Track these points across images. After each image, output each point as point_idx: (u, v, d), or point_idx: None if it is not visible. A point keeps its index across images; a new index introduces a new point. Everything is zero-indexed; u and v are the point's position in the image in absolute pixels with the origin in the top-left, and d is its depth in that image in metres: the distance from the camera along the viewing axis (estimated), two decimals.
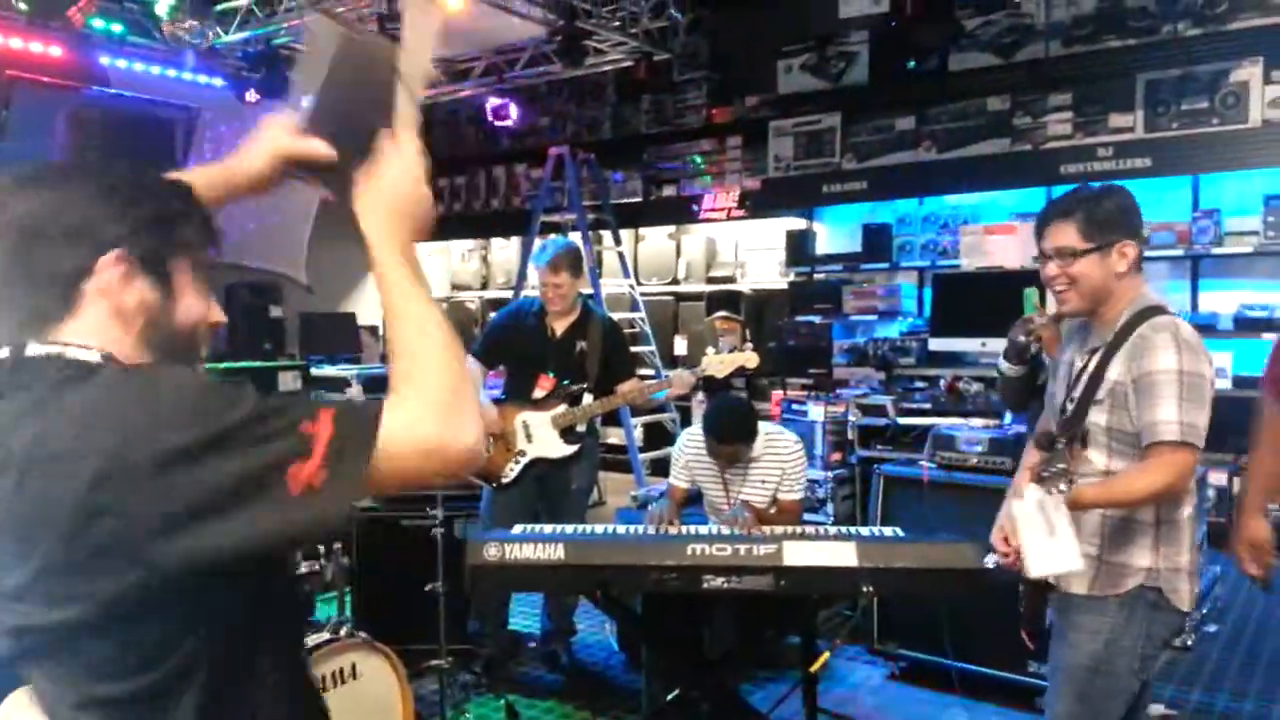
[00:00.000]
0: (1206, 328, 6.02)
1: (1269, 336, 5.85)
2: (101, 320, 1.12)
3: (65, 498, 0.98)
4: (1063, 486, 2.06)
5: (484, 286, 9.61)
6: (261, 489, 1.00)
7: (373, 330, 8.46)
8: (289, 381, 5.09)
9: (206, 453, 0.99)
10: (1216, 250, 6.08)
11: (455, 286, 9.83)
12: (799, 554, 2.90)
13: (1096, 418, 2.24)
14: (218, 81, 6.82)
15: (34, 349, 1.08)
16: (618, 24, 7.00)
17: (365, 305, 9.08)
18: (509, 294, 8.77)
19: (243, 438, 1.00)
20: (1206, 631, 4.42)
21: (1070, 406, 2.32)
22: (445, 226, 9.66)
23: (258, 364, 4.98)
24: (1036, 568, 2.08)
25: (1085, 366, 2.31)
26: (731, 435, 3.47)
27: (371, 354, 8.14)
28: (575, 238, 7.15)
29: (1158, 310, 2.25)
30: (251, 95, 6.89)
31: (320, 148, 1.29)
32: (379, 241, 1.21)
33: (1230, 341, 6.03)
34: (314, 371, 6.04)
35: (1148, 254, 6.07)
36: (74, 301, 1.11)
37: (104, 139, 3.88)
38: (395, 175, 1.22)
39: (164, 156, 4.05)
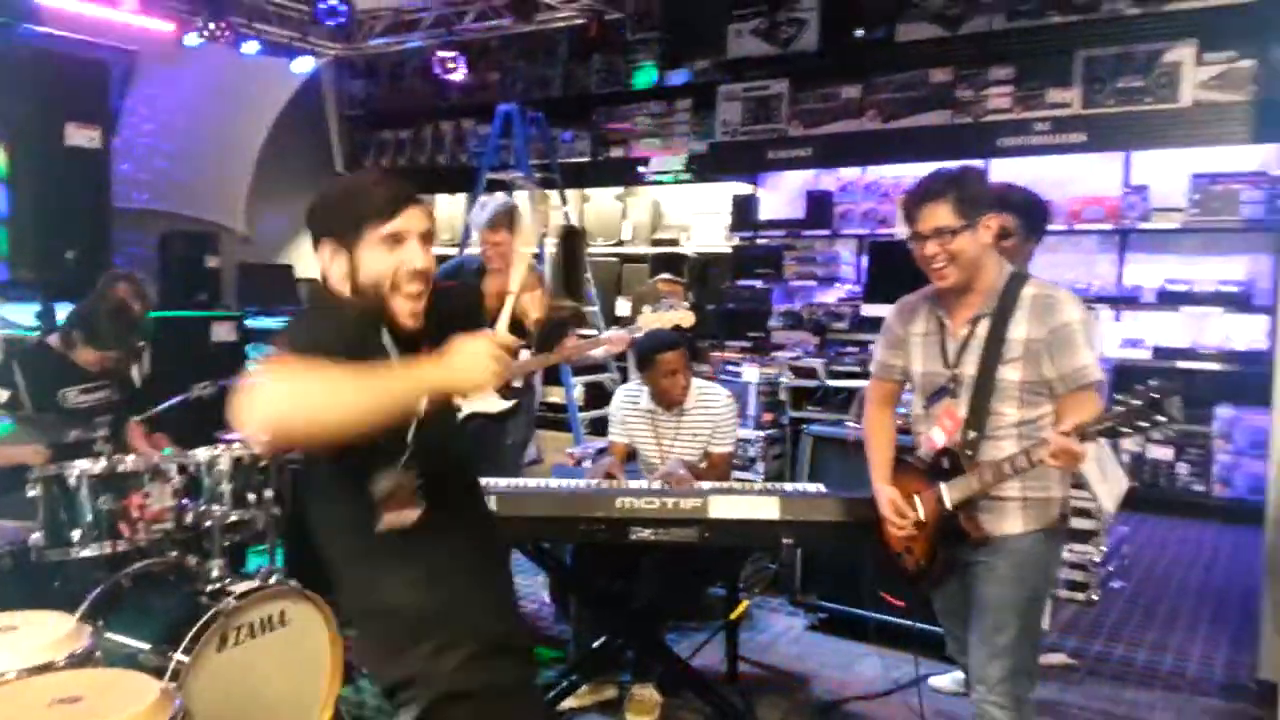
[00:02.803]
0: (1131, 300, 6.24)
1: (1189, 310, 6.09)
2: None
3: None
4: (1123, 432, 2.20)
5: None
6: None
7: (310, 283, 8.38)
8: (223, 333, 5.04)
9: None
10: (1144, 225, 6.28)
11: None
12: (724, 508, 3.00)
13: (1009, 375, 2.40)
14: (158, 24, 6.65)
15: None
16: None
17: (303, 258, 8.98)
18: (454, 250, 8.73)
19: None
20: (1111, 587, 4.63)
21: (964, 370, 2.47)
22: None
23: (191, 314, 4.91)
24: (1110, 503, 2.36)
25: (972, 333, 2.47)
26: (667, 342, 3.59)
27: None
28: (521, 196, 7.14)
29: (1025, 275, 2.49)
30: (193, 39, 6.74)
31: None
32: (418, 378, 1.59)
33: (1153, 314, 6.26)
34: (249, 323, 5.97)
35: (1080, 227, 6.35)
36: None
37: (34, 81, 3.79)
38: (459, 361, 1.58)
39: (98, 101, 3.97)
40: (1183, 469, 6.11)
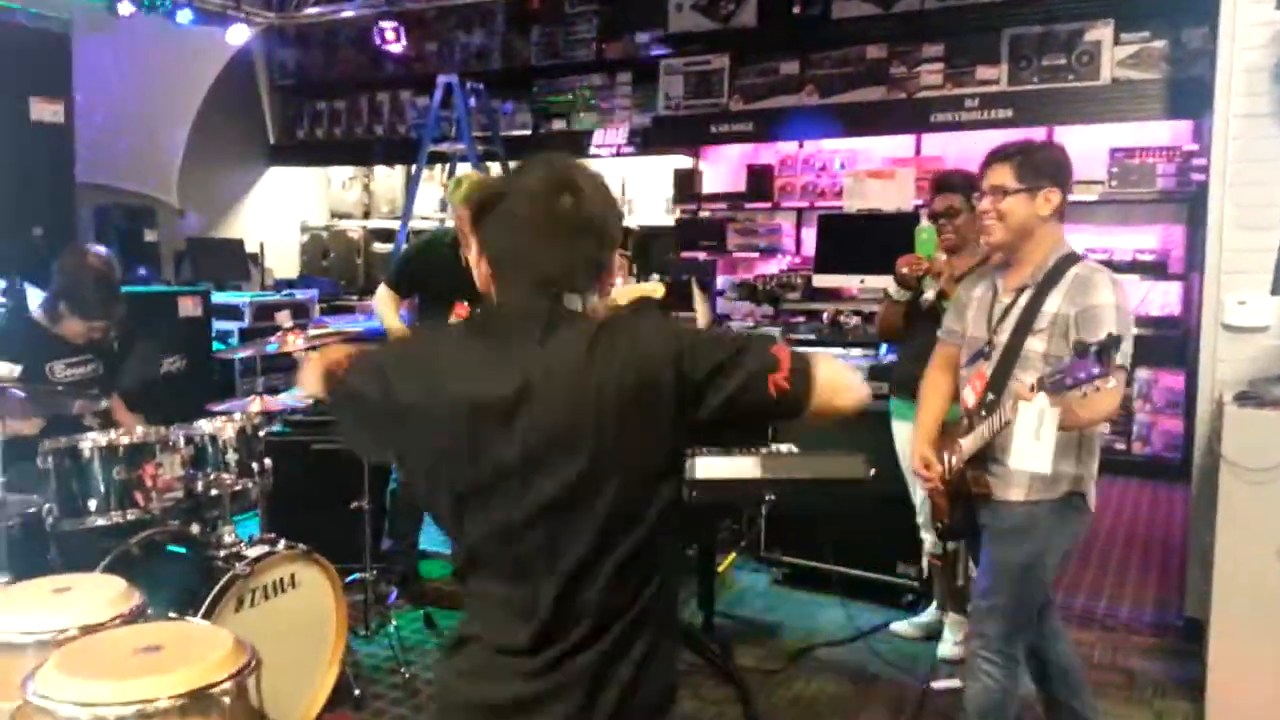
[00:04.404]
0: None
1: None
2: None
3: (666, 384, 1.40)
4: (1077, 395, 2.24)
5: (366, 215, 9.49)
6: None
7: (252, 258, 8.28)
8: (190, 308, 5.00)
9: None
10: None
11: (335, 215, 9.67)
12: (708, 468, 3.17)
13: (1034, 345, 2.48)
14: None
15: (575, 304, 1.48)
16: None
17: (244, 231, 8.85)
18: (393, 223, 8.71)
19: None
20: None
21: (1000, 337, 2.57)
22: (324, 152, 9.47)
23: (160, 289, 4.85)
24: (1015, 460, 2.36)
25: (1014, 302, 2.56)
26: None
27: (254, 281, 7.98)
28: (465, 168, 7.19)
29: (1079, 256, 2.55)
30: (126, 8, 6.59)
31: None
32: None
33: None
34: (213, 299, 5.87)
35: None
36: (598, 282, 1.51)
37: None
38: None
39: (60, 74, 3.88)
40: (1105, 428, 6.50)
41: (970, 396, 2.63)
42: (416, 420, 1.44)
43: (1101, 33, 6.29)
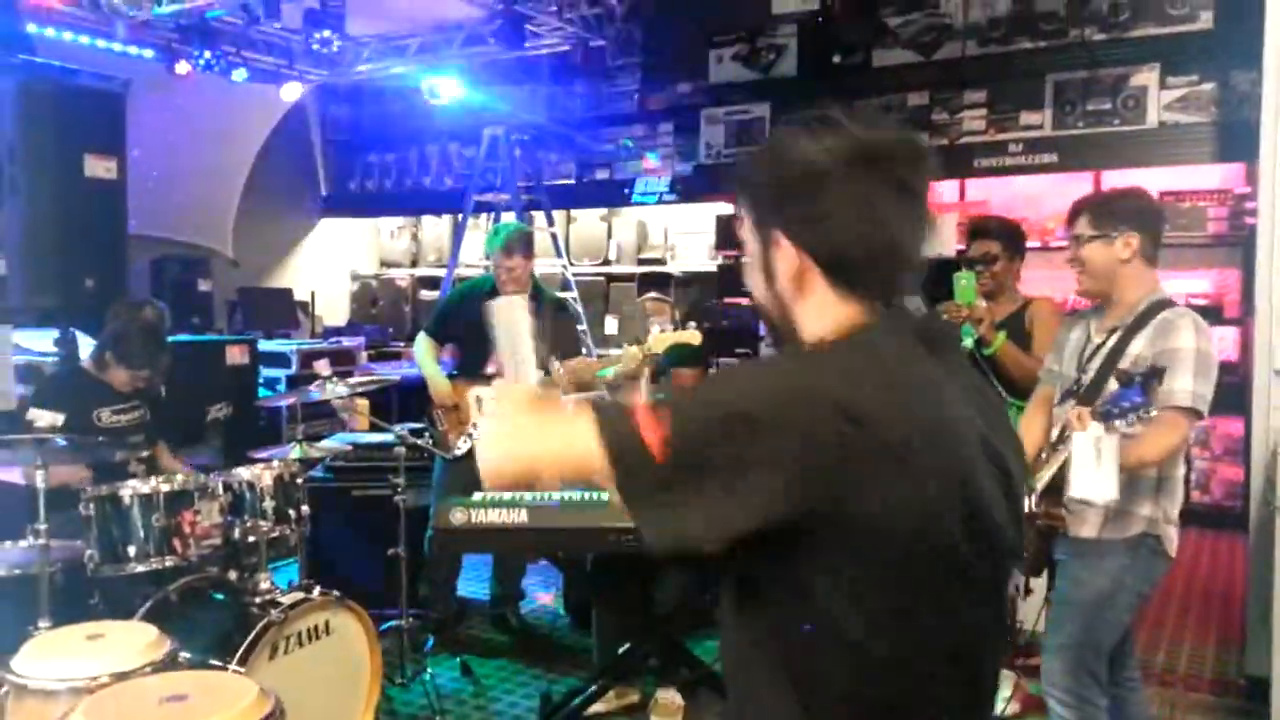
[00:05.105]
0: None
1: None
2: None
3: None
4: (1123, 425, 2.30)
5: (414, 264, 9.64)
6: None
7: (303, 306, 8.44)
8: (237, 356, 5.10)
9: None
10: None
11: (385, 264, 9.84)
12: None
13: (1115, 385, 2.48)
14: (148, 53, 6.72)
15: None
16: (555, 8, 7.12)
17: (296, 280, 9.04)
18: (440, 271, 8.84)
19: None
20: None
21: (1087, 376, 2.62)
22: (375, 203, 9.68)
23: (207, 338, 4.96)
24: (1076, 490, 2.38)
25: (1104, 343, 2.62)
26: (691, 358, 3.78)
27: (304, 329, 8.13)
28: (509, 218, 7.29)
29: (1171, 302, 2.60)
30: (183, 67, 6.82)
31: None
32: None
33: None
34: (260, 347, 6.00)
35: (1055, 244, 6.58)
36: None
37: (52, 111, 3.86)
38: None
39: (114, 131, 4.06)
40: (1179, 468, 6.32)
41: (1056, 433, 2.65)
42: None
43: (1147, 77, 6.23)
